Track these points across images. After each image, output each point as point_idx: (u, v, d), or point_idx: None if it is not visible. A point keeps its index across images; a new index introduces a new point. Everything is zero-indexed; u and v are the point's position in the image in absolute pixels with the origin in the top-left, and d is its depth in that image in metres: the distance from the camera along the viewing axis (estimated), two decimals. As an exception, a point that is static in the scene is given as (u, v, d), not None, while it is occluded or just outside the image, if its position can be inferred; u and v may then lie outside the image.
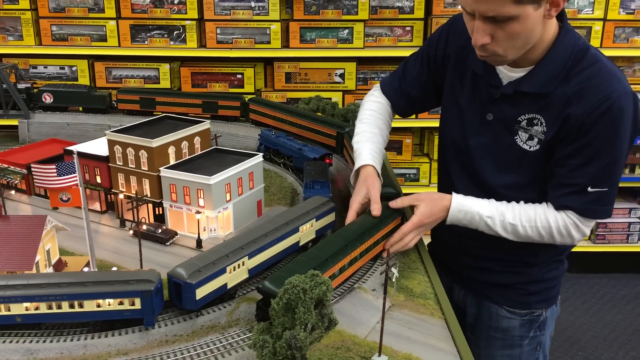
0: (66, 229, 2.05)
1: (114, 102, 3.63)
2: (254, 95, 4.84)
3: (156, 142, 2.32)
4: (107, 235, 2.40)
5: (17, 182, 2.72)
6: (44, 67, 4.85)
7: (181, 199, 2.31)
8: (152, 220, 2.44)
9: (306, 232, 2.10)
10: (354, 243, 1.90)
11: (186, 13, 4.65)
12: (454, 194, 2.07)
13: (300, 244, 2.09)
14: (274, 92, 4.91)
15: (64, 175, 1.75)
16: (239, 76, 4.86)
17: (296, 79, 4.90)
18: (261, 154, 2.48)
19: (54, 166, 1.76)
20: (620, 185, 2.02)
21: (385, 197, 2.25)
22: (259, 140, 3.19)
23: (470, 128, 2.14)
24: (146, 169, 2.36)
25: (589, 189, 1.92)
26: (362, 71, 4.97)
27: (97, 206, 2.56)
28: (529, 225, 1.99)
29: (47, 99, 3.54)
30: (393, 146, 5.17)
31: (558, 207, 1.97)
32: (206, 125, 2.61)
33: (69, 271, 1.94)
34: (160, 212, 2.42)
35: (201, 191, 2.25)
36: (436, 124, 2.37)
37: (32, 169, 1.80)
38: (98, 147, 2.58)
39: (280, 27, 4.68)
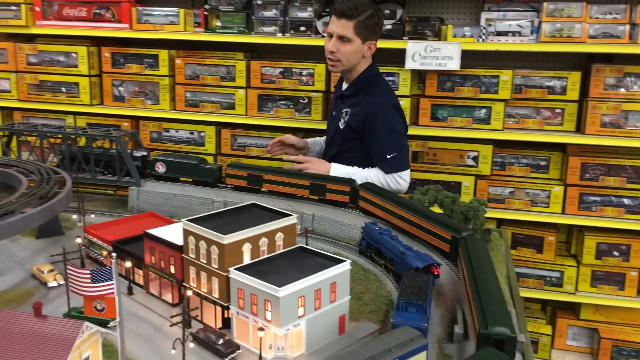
0: (113, 334, 1.81)
1: (223, 177, 3.50)
2: (377, 173, 4.50)
3: (229, 238, 2.04)
4: (170, 336, 2.14)
5: (102, 258, 2.62)
6: (176, 131, 4.98)
7: (248, 307, 1.98)
8: (219, 324, 2.14)
9: (384, 378, 1.65)
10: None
11: (313, 85, 4.51)
12: (332, 163, 3.66)
13: (375, 393, 1.63)
14: (398, 171, 4.53)
15: (98, 282, 1.53)
16: (362, 152, 4.56)
17: (423, 158, 4.49)
18: (349, 262, 2.09)
19: (89, 271, 1.55)
20: None
21: (494, 342, 1.74)
22: (362, 234, 2.81)
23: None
24: (216, 266, 2.08)
25: (387, 156, 3.54)
26: (499, 155, 4.42)
27: (169, 297, 2.33)
28: (362, 177, 3.53)
29: (160, 168, 3.50)
30: (532, 242, 4.48)
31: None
32: (292, 220, 2.29)
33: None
34: (228, 317, 2.11)
35: (269, 303, 1.91)
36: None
37: (68, 272, 1.61)
38: (180, 231, 2.38)
39: (410, 103, 4.34)
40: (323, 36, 4.46)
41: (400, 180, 3.61)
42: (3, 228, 2.23)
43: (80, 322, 1.64)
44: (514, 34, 4.12)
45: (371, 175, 3.58)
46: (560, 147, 4.42)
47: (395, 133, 3.58)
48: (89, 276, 1.54)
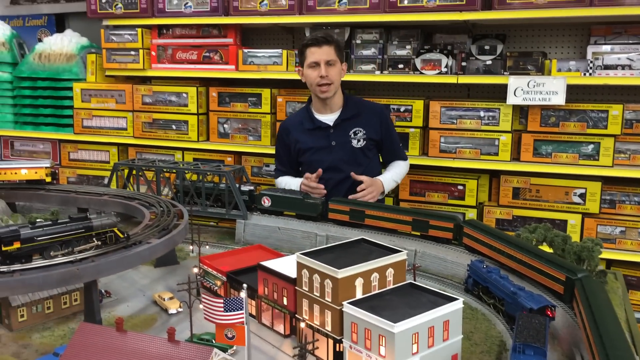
0: (234, 360, 1.90)
1: (325, 212, 3.58)
2: (475, 209, 4.44)
3: (342, 273, 2.10)
4: (285, 366, 2.21)
5: (217, 287, 2.75)
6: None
7: (362, 341, 2.01)
8: (330, 357, 2.18)
9: (505, 421, 1.61)
10: None
11: (411, 121, 4.54)
12: (381, 177, 4.03)
13: None
14: (498, 207, 4.44)
15: (230, 311, 1.62)
16: (460, 187, 4.52)
17: (525, 195, 4.37)
18: (461, 300, 2.08)
19: (222, 300, 1.65)
20: None
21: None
22: (468, 272, 2.77)
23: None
24: (330, 300, 2.14)
25: (399, 145, 4.19)
26: (608, 192, 4.22)
27: (280, 328, 2.41)
28: (401, 173, 4.15)
29: (266, 202, 3.65)
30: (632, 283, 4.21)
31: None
32: (402, 256, 2.31)
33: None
34: (340, 350, 2.15)
35: (383, 338, 1.93)
36: None
37: (202, 299, 1.72)
38: (292, 264, 2.47)
39: (511, 139, 4.27)
40: (422, 73, 4.51)
41: (408, 164, 4.26)
42: (133, 257, 2.42)
43: (209, 348, 1.74)
44: (623, 67, 3.97)
45: (400, 168, 4.10)
46: (677, 185, 4.16)
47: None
48: (222, 305, 1.64)
